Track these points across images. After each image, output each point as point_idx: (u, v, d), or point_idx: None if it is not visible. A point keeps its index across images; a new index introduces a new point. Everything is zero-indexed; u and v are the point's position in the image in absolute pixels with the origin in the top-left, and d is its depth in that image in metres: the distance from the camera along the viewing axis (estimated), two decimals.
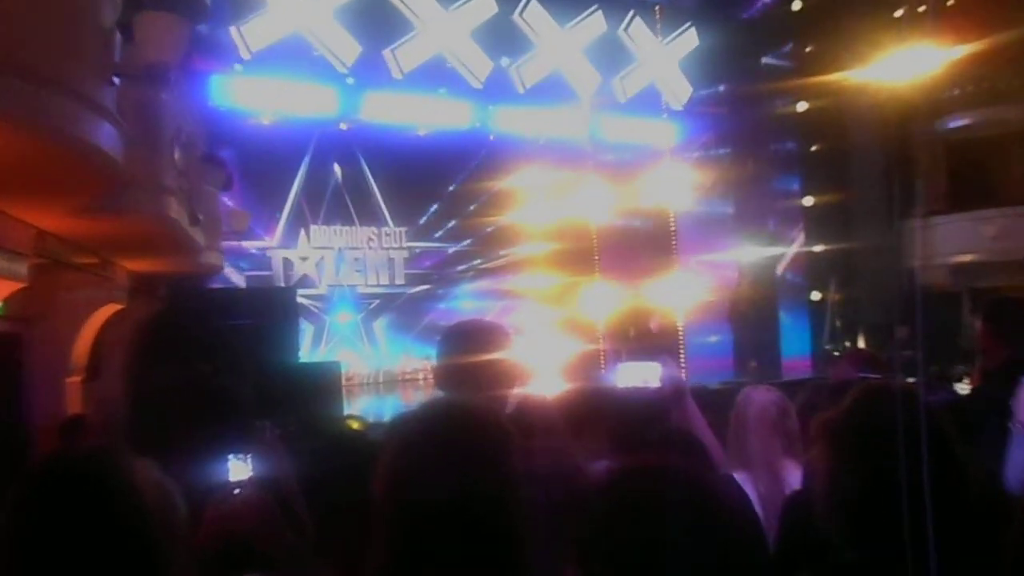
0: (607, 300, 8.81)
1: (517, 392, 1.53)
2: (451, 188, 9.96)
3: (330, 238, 9.51)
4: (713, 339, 9.58)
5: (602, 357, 8.38)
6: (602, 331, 8.49)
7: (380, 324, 9.62)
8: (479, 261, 10.26)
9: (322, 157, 9.18)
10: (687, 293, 9.31)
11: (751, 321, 9.32)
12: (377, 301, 9.73)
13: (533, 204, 9.88)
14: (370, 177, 9.58)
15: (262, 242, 8.87)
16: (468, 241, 10.14)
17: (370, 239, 9.80)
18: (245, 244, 8.43)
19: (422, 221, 9.97)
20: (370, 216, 9.66)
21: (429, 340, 8.79)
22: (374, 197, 9.67)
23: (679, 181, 9.58)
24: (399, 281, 9.96)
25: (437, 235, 10.08)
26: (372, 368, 9.43)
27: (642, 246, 9.71)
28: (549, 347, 8.14)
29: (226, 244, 6.72)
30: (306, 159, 9.06)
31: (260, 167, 8.44)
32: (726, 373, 8.87)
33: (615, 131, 9.78)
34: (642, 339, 8.95)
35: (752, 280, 9.44)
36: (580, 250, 9.64)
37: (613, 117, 9.73)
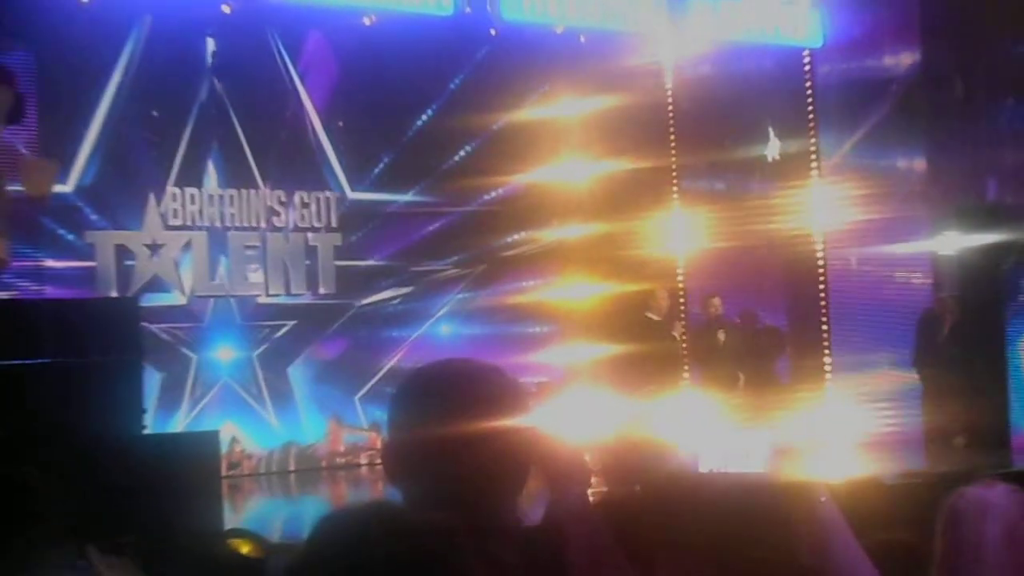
0: (709, 331, 8.42)
1: (536, 494, 1.38)
2: (421, 122, 8.84)
3: (201, 210, 8.33)
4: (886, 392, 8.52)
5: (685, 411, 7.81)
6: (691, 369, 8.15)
7: (295, 368, 8.56)
8: (473, 255, 9.17)
9: (184, 61, 8.11)
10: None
11: (956, 362, 7.89)
12: (289, 325, 8.60)
13: (567, 152, 9.07)
14: (276, 100, 8.54)
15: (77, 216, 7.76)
16: (453, 214, 8.99)
17: (274, 212, 8.57)
18: (49, 221, 7.40)
19: (371, 179, 8.85)
20: (275, 170, 8.54)
21: (381, 398, 8.24)
22: (281, 137, 8.54)
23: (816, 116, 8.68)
24: (326, 289, 8.78)
25: (397, 204, 8.93)
26: (276, 447, 8.38)
27: (762, 252, 9.07)
28: (596, 410, 7.23)
29: (13, 218, 5.35)
30: (141, 61, 7.88)
31: (74, 81, 7.58)
32: (911, 454, 7.86)
33: (712, 22, 8.51)
34: (759, 388, 8.32)
35: (959, 293, 8.17)
36: (649, 233, 9.02)
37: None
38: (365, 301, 8.85)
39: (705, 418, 7.86)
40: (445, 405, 1.37)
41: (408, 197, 8.88)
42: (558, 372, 8.65)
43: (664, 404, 7.41)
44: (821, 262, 8.60)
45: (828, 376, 8.63)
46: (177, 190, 8.24)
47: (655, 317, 8.39)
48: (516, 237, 9.26)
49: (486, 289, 9.12)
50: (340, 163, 8.74)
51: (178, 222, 8.23)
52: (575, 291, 9.09)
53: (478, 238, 9.14)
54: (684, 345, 8.62)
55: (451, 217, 9.06)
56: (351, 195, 8.76)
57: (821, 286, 8.64)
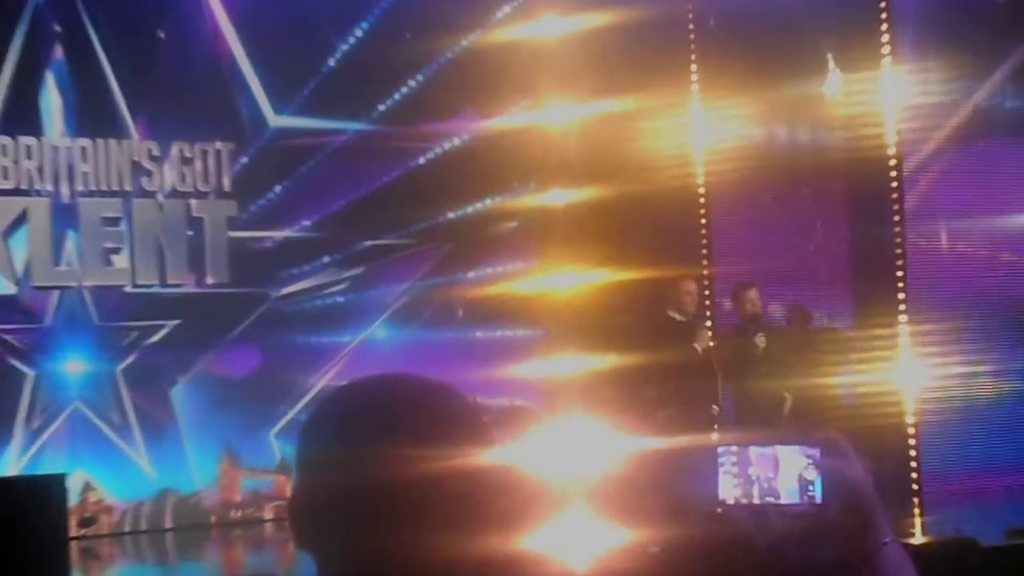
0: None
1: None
2: (350, 44, 8.76)
3: (41, 167, 8.12)
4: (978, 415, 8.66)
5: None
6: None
7: (179, 390, 8.37)
8: (431, 227, 8.95)
9: None
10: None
11: None
12: (168, 327, 8.39)
13: (549, 87, 8.94)
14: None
15: None
16: (402, 167, 8.85)
17: (140, 169, 8.33)
18: None
19: (296, 104, 8.69)
20: (149, 111, 8.33)
21: (292, 431, 8.17)
22: (163, 60, 8.35)
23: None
24: (216, 276, 8.52)
25: (323, 155, 8.75)
26: (148, 497, 8.27)
27: (806, 203, 9.05)
28: (592, 446, 7.34)
29: None
30: None
31: None
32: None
33: None
34: (813, 414, 8.02)
35: None
36: (663, 203, 8.66)
37: None
38: (281, 293, 8.64)
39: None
40: (375, 439, 1.36)
41: (341, 127, 8.64)
42: (542, 393, 8.54)
43: (689, 438, 7.02)
44: (898, 239, 8.20)
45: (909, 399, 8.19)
46: (5, 140, 7.92)
47: (680, 318, 8.03)
48: (487, 203, 9.05)
49: (449, 276, 8.93)
50: (254, 89, 8.56)
51: (8, 185, 7.94)
52: (566, 280, 8.76)
53: (435, 204, 8.88)
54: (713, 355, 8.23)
55: (398, 171, 8.78)
56: (274, 122, 8.52)
57: (899, 272, 8.15)
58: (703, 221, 8.77)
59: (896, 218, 8.24)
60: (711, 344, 8.23)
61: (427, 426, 1.36)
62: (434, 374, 1.42)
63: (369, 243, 8.68)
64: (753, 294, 8.20)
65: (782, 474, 1.66)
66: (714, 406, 7.93)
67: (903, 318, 8.14)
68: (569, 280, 8.73)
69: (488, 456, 1.37)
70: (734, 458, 1.68)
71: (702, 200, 8.78)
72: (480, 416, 1.40)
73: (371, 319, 8.72)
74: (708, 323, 8.50)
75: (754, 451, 1.69)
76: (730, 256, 8.72)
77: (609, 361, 8.07)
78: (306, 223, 8.55)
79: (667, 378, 7.65)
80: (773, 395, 8.01)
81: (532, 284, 8.90)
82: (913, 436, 7.86)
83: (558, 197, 8.79)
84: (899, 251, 8.23)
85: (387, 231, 8.70)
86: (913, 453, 7.75)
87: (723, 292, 8.65)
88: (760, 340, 8.06)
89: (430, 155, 8.79)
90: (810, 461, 1.64)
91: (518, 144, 8.79)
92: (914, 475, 7.44)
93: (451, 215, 8.89)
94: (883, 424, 7.88)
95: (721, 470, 1.68)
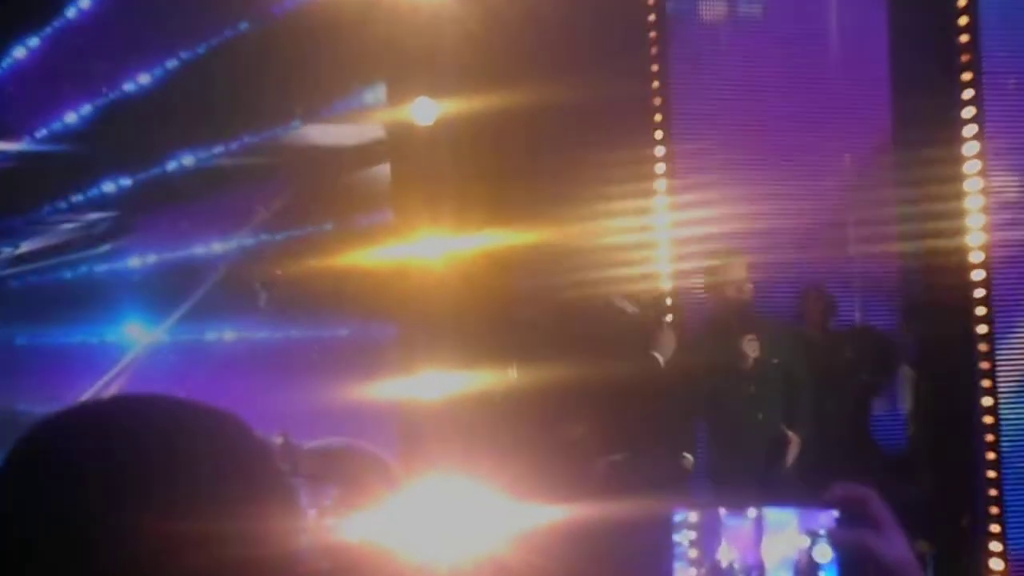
0: None
1: None
2: None
3: None
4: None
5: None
6: None
7: None
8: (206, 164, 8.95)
9: None
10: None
11: None
12: None
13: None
14: None
15: None
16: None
17: None
18: None
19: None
20: None
21: None
22: None
23: None
24: None
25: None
26: None
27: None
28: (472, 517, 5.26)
29: None
30: None
31: None
32: None
33: None
34: (834, 461, 7.84)
35: None
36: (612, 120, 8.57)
37: None
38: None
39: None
40: (97, 498, 1.36)
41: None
42: (394, 429, 8.01)
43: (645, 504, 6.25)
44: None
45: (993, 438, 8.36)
46: None
47: (631, 309, 7.83)
48: (304, 121, 8.75)
49: (248, 238, 8.91)
50: None
51: None
52: (439, 245, 7.94)
53: (218, 123, 8.62)
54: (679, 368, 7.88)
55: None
56: None
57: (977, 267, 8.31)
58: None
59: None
60: (681, 352, 7.79)
61: (185, 481, 1.34)
62: (210, 395, 1.47)
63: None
64: (739, 267, 7.80)
65: (771, 554, 1.68)
66: (685, 454, 7.60)
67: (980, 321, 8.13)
68: (443, 246, 7.82)
69: (288, 530, 1.38)
70: (693, 533, 1.71)
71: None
72: (276, 465, 1.43)
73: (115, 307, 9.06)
74: (672, 318, 8.17)
75: (727, 518, 1.71)
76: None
77: (509, 379, 7.62)
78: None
79: (607, 406, 7.39)
80: (769, 434, 7.78)
81: (382, 253, 8.02)
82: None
83: (428, 108, 7.76)
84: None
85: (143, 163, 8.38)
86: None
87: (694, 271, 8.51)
88: (750, 346, 7.67)
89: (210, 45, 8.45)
90: (821, 533, 1.64)
91: (359, 20, 7.78)
92: None
93: (248, 139, 8.56)
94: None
95: (675, 552, 1.70)
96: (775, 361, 7.83)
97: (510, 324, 7.95)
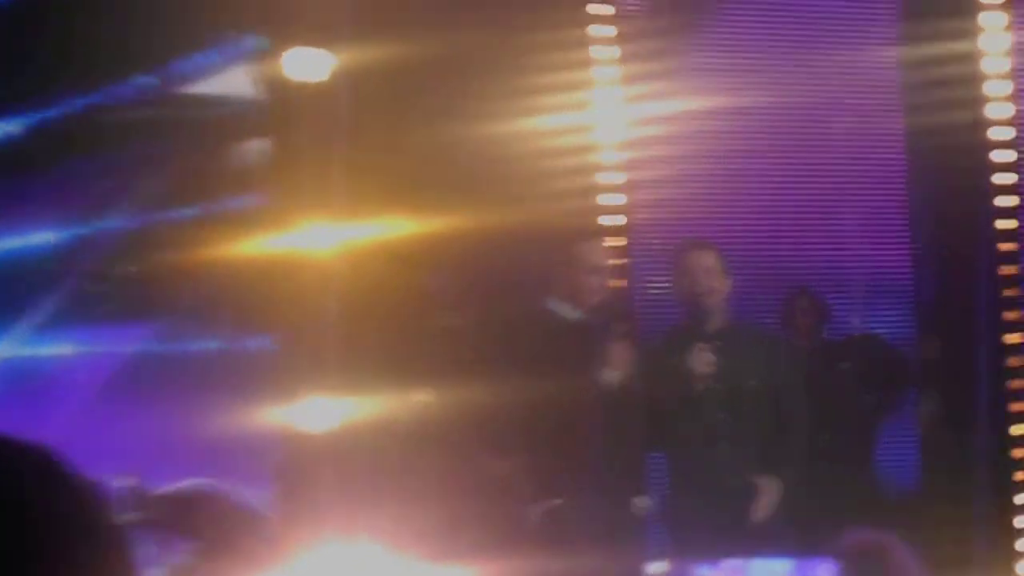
0: None
1: None
2: None
3: None
4: None
5: None
6: None
7: None
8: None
9: None
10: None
11: None
12: None
13: None
14: None
15: None
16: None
17: None
18: None
19: None
20: None
21: None
22: None
23: None
24: None
25: None
26: None
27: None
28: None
29: None
30: None
31: None
32: None
33: None
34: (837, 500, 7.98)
35: None
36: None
37: None
38: None
39: None
40: None
41: None
42: (270, 470, 7.42)
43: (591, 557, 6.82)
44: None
45: None
46: None
47: (573, 315, 7.47)
48: (162, 76, 8.27)
49: (88, 223, 8.45)
50: None
51: None
52: (332, 235, 7.44)
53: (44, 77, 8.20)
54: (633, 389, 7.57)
55: None
56: None
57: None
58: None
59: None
60: (637, 369, 7.42)
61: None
62: (35, 424, 1.49)
63: None
64: (707, 261, 7.49)
65: None
66: (639, 496, 7.27)
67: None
68: (336, 235, 7.29)
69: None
70: None
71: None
72: (102, 514, 1.45)
73: None
74: (628, 328, 7.57)
75: (701, 571, 1.03)
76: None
77: (419, 403, 7.27)
78: None
79: (543, 437, 7.06)
80: (742, 473, 7.47)
81: (259, 244, 7.46)
82: None
83: (318, 61, 7.20)
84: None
85: None
86: None
87: (653, 262, 8.52)
88: (700, 359, 7.33)
89: None
90: None
91: None
92: None
93: (90, 99, 7.98)
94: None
95: None
96: (751, 381, 7.30)
97: (420, 334, 7.49)
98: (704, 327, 7.43)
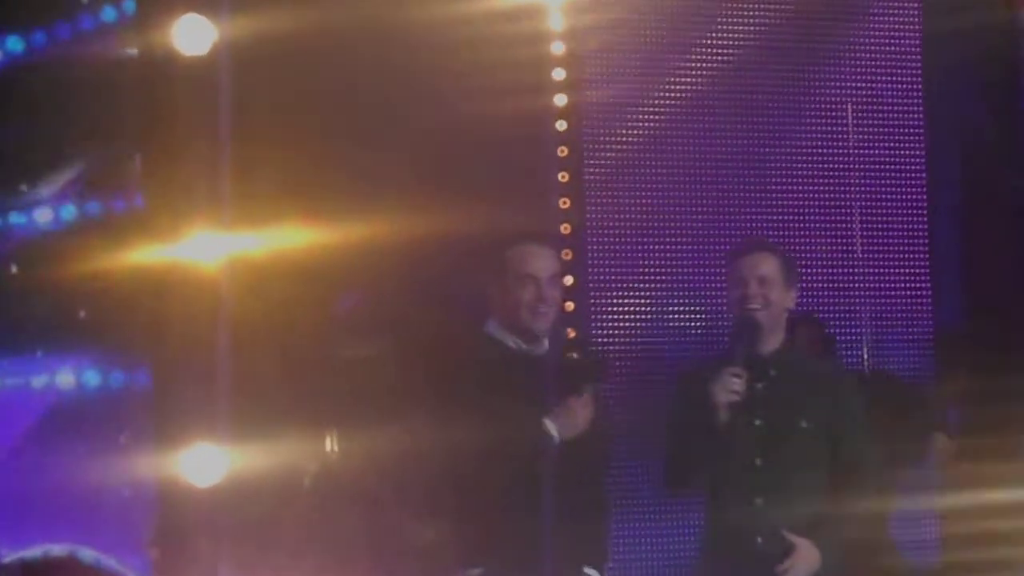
0: None
1: None
2: None
3: None
4: None
5: None
6: None
7: None
8: None
9: None
10: None
11: None
12: None
13: None
14: None
15: None
16: None
17: None
18: None
19: None
20: None
21: None
22: None
23: None
24: None
25: None
26: None
27: None
28: None
29: None
30: None
31: None
32: None
33: None
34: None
35: None
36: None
37: None
38: None
39: None
40: None
41: None
42: (143, 527, 7.20)
43: None
44: None
45: None
46: None
47: (516, 344, 7.17)
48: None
49: None
50: None
51: None
52: (218, 245, 7.18)
53: None
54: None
55: None
56: None
57: None
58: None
59: None
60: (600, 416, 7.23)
61: None
62: None
63: None
64: (765, 267, 7.17)
65: None
66: (589, 570, 6.93)
67: None
68: (223, 246, 6.97)
69: None
70: None
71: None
72: None
73: None
74: (594, 357, 7.82)
75: None
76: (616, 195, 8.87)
77: (325, 451, 7.29)
78: None
79: (475, 496, 6.85)
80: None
81: (128, 256, 7.15)
82: None
83: (200, 30, 6.88)
84: None
85: None
86: None
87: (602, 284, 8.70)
88: (727, 388, 6.96)
89: None
90: None
91: None
92: None
93: None
94: None
95: None
96: (803, 422, 6.91)
97: (326, 366, 7.31)
98: (754, 351, 6.97)
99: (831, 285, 8.80)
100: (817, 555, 6.87)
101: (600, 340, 8.43)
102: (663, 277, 8.91)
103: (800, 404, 6.92)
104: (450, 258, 7.52)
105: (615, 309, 8.67)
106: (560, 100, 8.19)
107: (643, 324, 8.70)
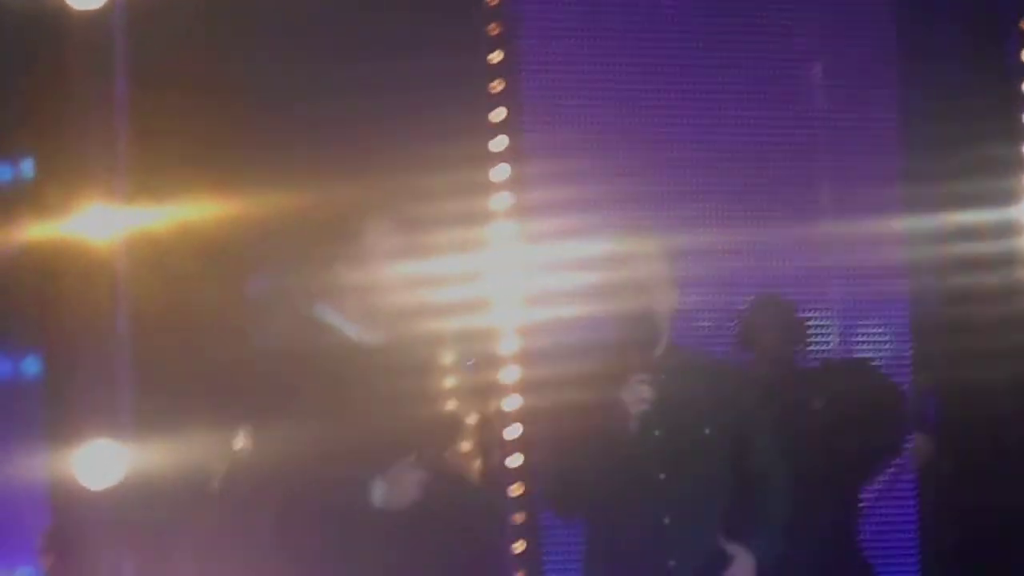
0: None
1: None
2: None
3: None
4: None
5: None
6: None
7: None
8: None
9: None
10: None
11: None
12: None
13: None
14: None
15: None
16: None
17: None
18: None
19: None
20: None
21: None
22: None
23: None
24: None
25: None
26: None
27: None
28: None
29: None
30: None
31: None
32: None
33: None
34: None
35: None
36: None
37: None
38: None
39: None
40: None
41: None
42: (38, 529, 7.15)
43: None
44: None
45: None
46: None
47: (358, 334, 6.18)
48: None
49: None
50: None
51: None
52: (115, 219, 7.10)
53: None
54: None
55: None
56: None
57: None
58: None
59: None
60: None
61: None
62: None
63: None
64: (648, 250, 6.29)
65: None
66: None
67: None
68: (120, 220, 6.72)
69: None
70: None
71: None
72: None
73: None
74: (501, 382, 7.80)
75: None
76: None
77: (235, 450, 6.59)
78: None
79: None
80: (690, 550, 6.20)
81: (17, 234, 7.03)
82: None
83: None
84: None
85: None
86: None
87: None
88: (636, 392, 6.17)
89: None
90: None
91: None
92: None
93: None
94: None
95: None
96: (702, 427, 6.15)
97: (237, 355, 6.46)
98: (641, 352, 6.63)
99: (798, 266, 8.21)
100: (748, 564, 6.73)
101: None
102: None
103: (694, 409, 6.45)
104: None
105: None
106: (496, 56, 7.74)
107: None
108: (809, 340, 8.05)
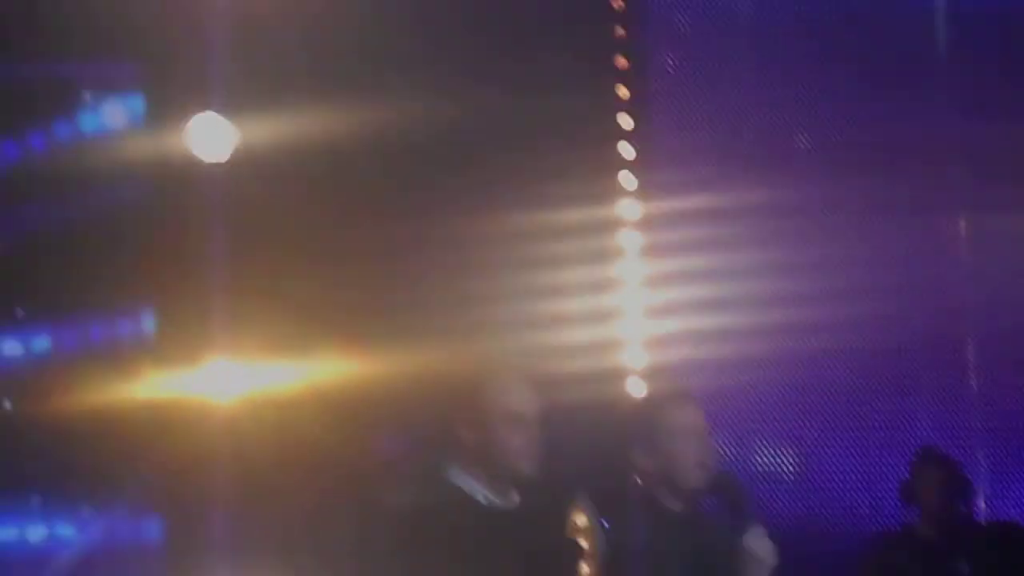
0: None
1: None
2: None
3: None
4: None
5: None
6: None
7: None
8: None
9: None
10: None
11: None
12: None
13: None
14: None
15: None
16: None
17: None
18: None
19: None
20: None
21: None
22: None
23: None
24: None
25: None
26: None
27: None
28: None
29: None
30: None
31: None
32: None
33: None
34: None
35: None
36: None
37: None
38: None
39: None
40: None
41: None
42: None
43: None
44: None
45: None
46: None
47: (483, 496, 5.79)
48: None
49: None
50: None
51: None
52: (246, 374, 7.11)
53: None
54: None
55: None
56: None
57: None
58: None
59: None
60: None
61: None
62: None
63: None
64: (696, 419, 5.83)
65: None
66: None
67: None
68: (246, 378, 6.59)
69: None
70: None
71: None
72: None
73: None
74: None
75: None
76: None
77: None
78: None
79: None
80: None
81: (141, 388, 6.73)
82: None
83: (219, 131, 6.61)
84: None
85: None
86: None
87: None
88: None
89: None
90: None
91: None
92: None
93: None
94: None
95: None
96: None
97: (364, 518, 5.79)
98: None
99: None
100: None
101: None
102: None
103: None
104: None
105: None
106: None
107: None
108: (970, 499, 7.78)
